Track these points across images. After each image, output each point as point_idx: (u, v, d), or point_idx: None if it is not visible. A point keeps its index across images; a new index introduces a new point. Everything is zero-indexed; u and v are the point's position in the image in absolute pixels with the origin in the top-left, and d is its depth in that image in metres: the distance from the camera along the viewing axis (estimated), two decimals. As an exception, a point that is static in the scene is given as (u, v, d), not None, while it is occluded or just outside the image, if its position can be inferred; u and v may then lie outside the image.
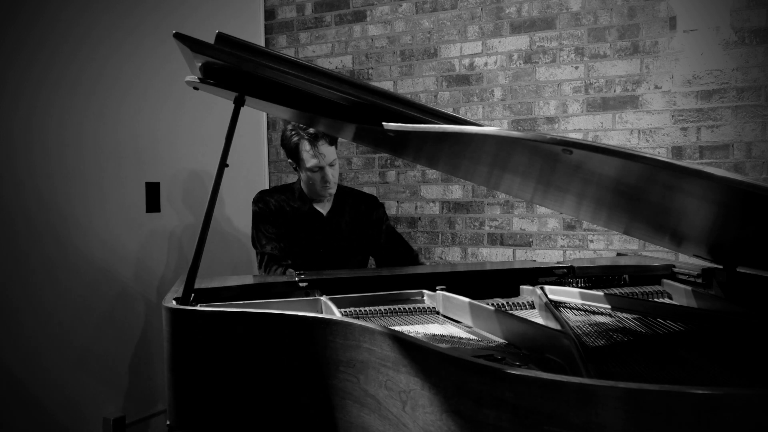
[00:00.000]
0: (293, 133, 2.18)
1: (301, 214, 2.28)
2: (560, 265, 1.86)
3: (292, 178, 3.29)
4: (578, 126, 2.67)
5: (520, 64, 2.77)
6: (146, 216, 2.65)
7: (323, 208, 2.31)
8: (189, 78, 1.50)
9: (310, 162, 2.17)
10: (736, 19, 2.38)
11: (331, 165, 2.20)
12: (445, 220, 2.97)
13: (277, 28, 3.38)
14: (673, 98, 2.50)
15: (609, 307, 1.56)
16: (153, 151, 2.68)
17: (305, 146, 2.16)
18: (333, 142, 2.19)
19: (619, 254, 2.46)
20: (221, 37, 1.30)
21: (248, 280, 1.85)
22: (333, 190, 2.27)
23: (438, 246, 2.99)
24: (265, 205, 2.27)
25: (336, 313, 1.45)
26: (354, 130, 1.53)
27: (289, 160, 2.27)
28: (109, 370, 2.49)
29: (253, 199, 2.31)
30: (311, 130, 2.14)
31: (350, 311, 1.57)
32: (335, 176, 2.24)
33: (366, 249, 2.36)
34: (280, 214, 2.27)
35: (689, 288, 1.65)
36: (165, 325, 1.45)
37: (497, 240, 2.86)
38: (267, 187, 3.37)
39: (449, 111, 1.54)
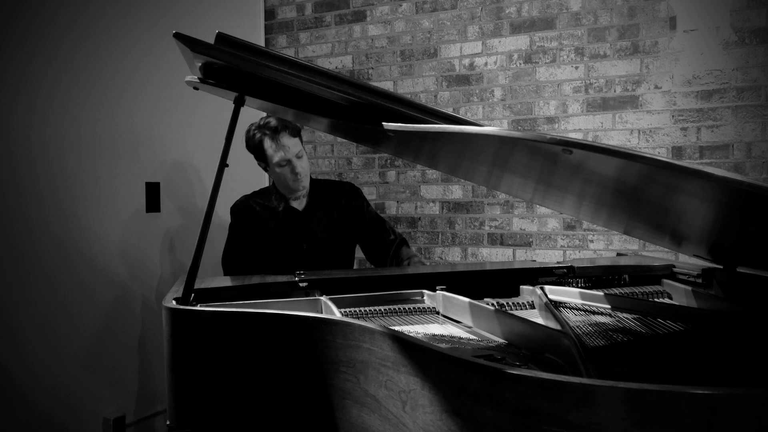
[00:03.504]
0: (255, 131, 2.19)
1: (276, 213, 2.28)
2: (560, 265, 1.86)
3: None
4: (578, 126, 2.67)
5: (520, 64, 2.77)
6: (146, 216, 2.65)
7: (299, 205, 2.30)
8: (189, 78, 1.50)
9: (276, 157, 2.17)
10: (736, 19, 2.38)
11: (298, 156, 2.18)
12: (445, 220, 2.97)
13: (277, 28, 3.39)
14: (673, 98, 2.50)
15: (609, 307, 1.56)
16: (153, 151, 2.68)
17: (267, 142, 2.16)
18: (296, 133, 2.19)
19: (619, 254, 2.46)
20: (221, 37, 1.30)
21: (248, 280, 1.85)
22: (305, 183, 2.25)
23: (438, 246, 2.99)
24: (241, 209, 2.30)
25: (336, 313, 1.45)
26: (354, 130, 1.54)
27: (258, 162, 2.26)
28: (108, 370, 2.48)
29: (232, 205, 2.33)
30: (272, 124, 2.14)
31: (350, 311, 1.57)
32: (304, 168, 2.22)
33: (351, 238, 2.34)
34: (255, 219, 2.27)
35: (689, 288, 1.65)
36: (165, 325, 1.45)
37: (497, 240, 2.86)
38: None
39: (449, 111, 1.54)
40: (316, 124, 1.89)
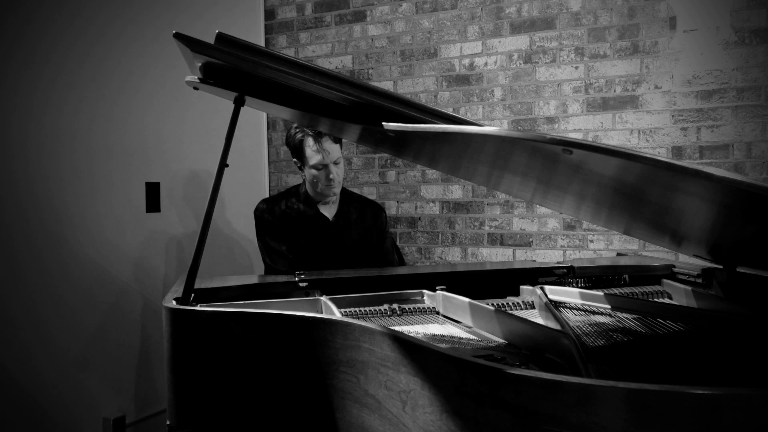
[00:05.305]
0: (297, 130, 2.18)
1: (306, 218, 2.27)
2: (560, 265, 1.86)
3: (292, 179, 3.30)
4: (578, 126, 2.67)
5: (520, 64, 2.77)
6: (146, 216, 2.65)
7: (329, 212, 2.30)
8: (189, 78, 1.50)
9: (314, 159, 2.17)
10: (736, 19, 2.38)
11: (335, 163, 2.19)
12: (445, 220, 2.97)
13: (277, 28, 3.39)
14: (673, 98, 2.50)
15: (609, 307, 1.56)
16: (153, 151, 2.68)
17: (309, 142, 2.16)
18: (338, 140, 2.19)
19: (619, 254, 2.46)
20: (221, 37, 1.30)
21: (248, 280, 1.85)
22: (337, 190, 2.26)
23: (438, 246, 2.99)
24: (271, 216, 2.25)
25: (336, 313, 1.45)
26: (354, 130, 1.53)
27: (294, 159, 2.26)
28: (109, 370, 2.49)
29: (256, 210, 2.28)
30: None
31: (350, 311, 1.57)
32: (340, 175, 2.22)
33: (371, 255, 2.34)
34: (286, 222, 2.25)
35: (689, 288, 1.65)
36: (165, 325, 1.45)
37: (497, 240, 2.86)
38: (267, 188, 3.38)
39: (449, 111, 1.54)
40: (316, 124, 1.89)
